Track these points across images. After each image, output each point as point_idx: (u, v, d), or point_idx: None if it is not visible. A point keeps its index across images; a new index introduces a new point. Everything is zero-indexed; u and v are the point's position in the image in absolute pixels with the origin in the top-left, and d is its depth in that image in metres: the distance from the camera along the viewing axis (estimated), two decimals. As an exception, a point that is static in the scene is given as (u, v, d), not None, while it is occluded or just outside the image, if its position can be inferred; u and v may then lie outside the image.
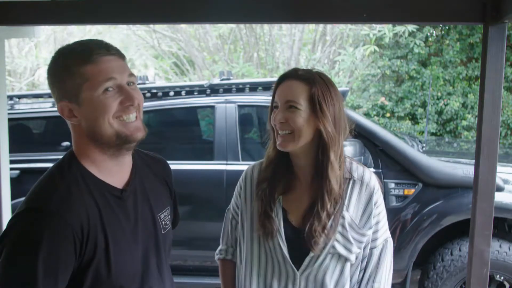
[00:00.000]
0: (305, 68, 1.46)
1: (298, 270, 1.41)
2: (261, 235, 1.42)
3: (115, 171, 1.21)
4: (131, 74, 1.18)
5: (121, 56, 1.17)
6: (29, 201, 1.10)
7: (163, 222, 1.31)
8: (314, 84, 1.36)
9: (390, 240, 1.49)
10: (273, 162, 1.47)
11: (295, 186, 1.46)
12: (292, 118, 1.35)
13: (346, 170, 1.43)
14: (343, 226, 1.39)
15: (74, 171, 1.15)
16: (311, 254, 1.39)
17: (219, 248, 1.62)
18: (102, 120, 1.12)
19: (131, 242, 1.20)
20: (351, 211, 1.41)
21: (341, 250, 1.39)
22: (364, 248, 1.43)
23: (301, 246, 1.39)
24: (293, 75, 1.40)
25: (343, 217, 1.39)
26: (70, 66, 1.12)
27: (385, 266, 1.46)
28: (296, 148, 1.38)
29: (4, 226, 1.10)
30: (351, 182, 1.43)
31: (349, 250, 1.39)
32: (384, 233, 1.48)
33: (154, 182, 1.34)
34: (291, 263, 1.40)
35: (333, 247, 1.38)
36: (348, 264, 1.41)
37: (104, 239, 1.12)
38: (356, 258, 1.42)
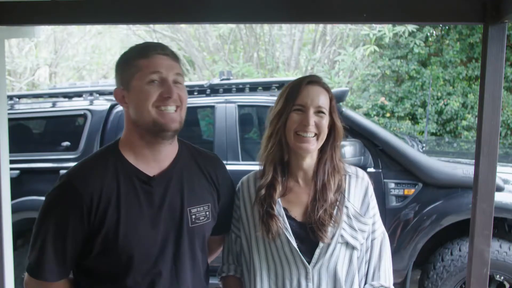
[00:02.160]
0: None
1: (309, 264, 1.43)
2: (265, 236, 1.44)
3: (151, 159, 1.36)
4: (179, 74, 1.36)
5: (174, 58, 1.37)
6: (65, 172, 1.34)
7: (193, 216, 1.39)
8: (329, 91, 1.51)
9: (386, 233, 1.58)
10: (272, 167, 1.51)
11: (292, 188, 1.52)
12: (321, 122, 1.47)
13: (342, 169, 1.54)
14: (348, 216, 1.47)
15: (108, 153, 1.36)
16: (321, 245, 1.43)
17: (220, 268, 1.61)
18: (143, 106, 1.30)
19: (150, 225, 1.32)
20: (352, 201, 1.50)
21: (349, 238, 1.45)
22: (367, 239, 1.51)
23: (308, 239, 1.44)
24: (318, 81, 1.51)
25: (346, 207, 1.48)
26: (129, 59, 1.35)
27: (386, 256, 1.54)
28: (316, 149, 1.49)
29: (4, 227, 1.20)
30: (347, 176, 1.54)
31: (356, 238, 1.46)
32: (381, 225, 1.57)
33: (197, 177, 1.43)
34: (301, 256, 1.43)
35: (341, 236, 1.44)
36: (355, 253, 1.47)
37: (116, 214, 1.29)
38: (361, 250, 1.49)
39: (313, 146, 1.47)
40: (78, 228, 1.27)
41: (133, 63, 1.32)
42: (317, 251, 1.43)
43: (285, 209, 1.48)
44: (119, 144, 1.37)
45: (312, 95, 1.47)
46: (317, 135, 1.47)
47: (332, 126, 1.51)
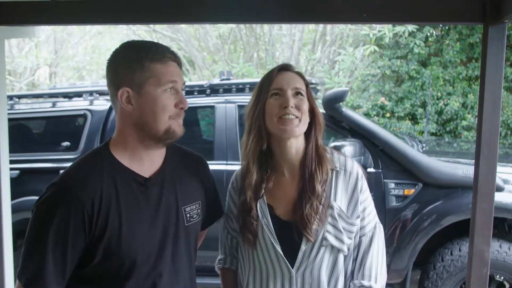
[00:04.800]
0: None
1: (292, 267, 1.41)
2: (246, 244, 1.45)
3: (145, 161, 1.34)
4: (184, 82, 1.36)
5: (180, 64, 1.36)
6: (58, 176, 1.29)
7: (188, 215, 1.40)
8: (304, 77, 1.50)
9: (380, 226, 1.51)
10: (256, 164, 1.47)
11: (278, 182, 1.48)
12: (301, 104, 1.43)
13: (329, 161, 1.47)
14: (333, 216, 1.41)
15: (99, 157, 1.32)
16: (303, 248, 1.39)
17: (218, 257, 1.62)
18: (158, 115, 1.28)
19: (148, 226, 1.31)
20: (338, 201, 1.43)
21: (333, 241, 1.39)
22: (355, 237, 1.45)
23: (292, 239, 1.40)
24: (290, 68, 1.50)
25: (332, 208, 1.41)
26: (143, 60, 1.27)
27: (377, 253, 1.46)
28: (301, 133, 1.44)
29: (4, 227, 1.17)
30: (334, 172, 1.46)
31: (341, 241, 1.40)
32: (372, 219, 1.49)
33: (186, 176, 1.43)
34: (286, 261, 1.40)
35: (325, 238, 1.39)
36: (341, 256, 1.42)
37: (118, 218, 1.26)
38: (348, 249, 1.43)
39: (297, 127, 1.41)
40: (79, 236, 1.23)
41: (147, 66, 1.28)
42: (300, 255, 1.40)
43: (270, 206, 1.44)
44: (110, 146, 1.34)
45: (287, 78, 1.45)
46: (299, 118, 1.42)
47: (312, 113, 1.46)
